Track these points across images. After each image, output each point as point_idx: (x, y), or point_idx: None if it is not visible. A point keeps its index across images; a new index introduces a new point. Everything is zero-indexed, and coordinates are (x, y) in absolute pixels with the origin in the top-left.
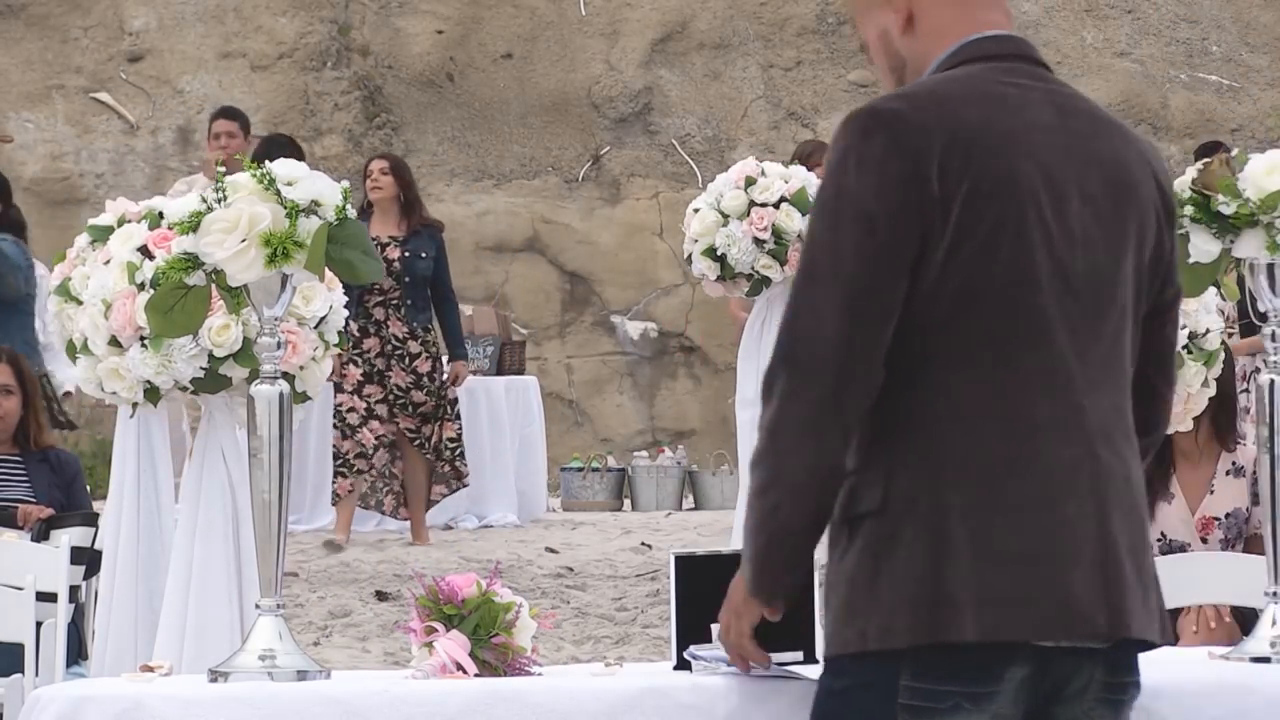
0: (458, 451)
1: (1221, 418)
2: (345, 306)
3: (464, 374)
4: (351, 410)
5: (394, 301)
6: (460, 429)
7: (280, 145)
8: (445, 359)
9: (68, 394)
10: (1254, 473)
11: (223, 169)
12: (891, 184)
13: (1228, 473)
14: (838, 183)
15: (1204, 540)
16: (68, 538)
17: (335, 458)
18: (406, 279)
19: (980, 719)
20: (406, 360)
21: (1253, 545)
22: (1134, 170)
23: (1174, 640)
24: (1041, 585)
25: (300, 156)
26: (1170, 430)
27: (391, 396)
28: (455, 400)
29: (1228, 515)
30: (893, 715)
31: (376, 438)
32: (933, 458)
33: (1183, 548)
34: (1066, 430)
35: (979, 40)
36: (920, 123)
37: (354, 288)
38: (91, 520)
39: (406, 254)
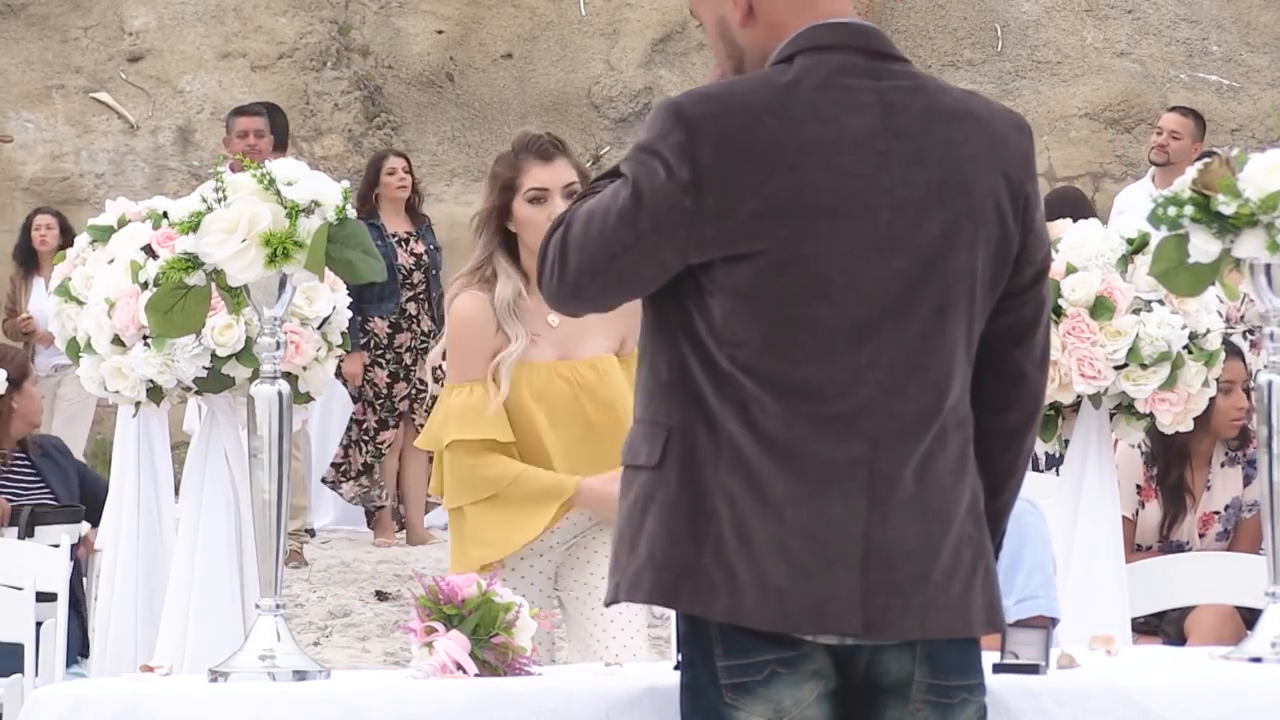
0: None
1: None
2: (389, 304)
3: None
4: (361, 421)
5: (422, 295)
6: None
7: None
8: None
9: None
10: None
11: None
12: (671, 189)
13: (1223, 464)
14: (633, 162)
15: (1201, 536)
16: (67, 538)
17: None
18: (433, 271)
19: (798, 678)
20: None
21: (1241, 528)
22: (970, 165)
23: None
24: (793, 580)
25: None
26: (1171, 431)
27: (414, 391)
28: None
29: (1226, 507)
30: (721, 697)
31: (388, 447)
32: (715, 437)
33: (1181, 547)
34: (846, 435)
35: (815, 29)
36: (718, 132)
37: (392, 285)
38: (76, 517)
39: (431, 247)
